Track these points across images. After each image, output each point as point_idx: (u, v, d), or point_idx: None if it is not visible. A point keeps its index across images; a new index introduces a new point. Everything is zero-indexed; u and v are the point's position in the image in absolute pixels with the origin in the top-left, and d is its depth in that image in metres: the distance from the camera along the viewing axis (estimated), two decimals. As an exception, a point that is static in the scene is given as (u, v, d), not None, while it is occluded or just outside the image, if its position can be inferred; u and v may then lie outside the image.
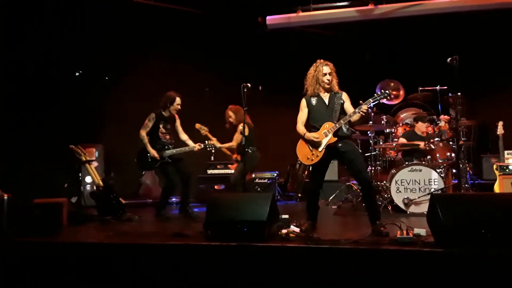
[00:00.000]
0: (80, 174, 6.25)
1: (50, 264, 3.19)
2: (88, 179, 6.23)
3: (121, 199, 4.96)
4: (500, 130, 5.62)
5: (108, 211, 4.77)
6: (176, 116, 5.24)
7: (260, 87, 6.30)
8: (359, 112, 3.58)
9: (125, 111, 7.21)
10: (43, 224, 3.60)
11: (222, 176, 6.87)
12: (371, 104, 3.83)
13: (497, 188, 5.44)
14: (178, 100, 5.14)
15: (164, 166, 5.03)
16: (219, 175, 6.91)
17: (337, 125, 3.65)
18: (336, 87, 3.82)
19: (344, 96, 3.81)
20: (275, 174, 6.90)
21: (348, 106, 3.77)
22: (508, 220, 2.75)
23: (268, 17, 6.95)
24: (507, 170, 5.44)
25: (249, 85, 4.40)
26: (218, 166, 6.90)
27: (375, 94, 3.72)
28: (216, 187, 6.67)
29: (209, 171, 6.98)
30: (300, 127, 3.84)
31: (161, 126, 5.11)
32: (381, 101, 6.06)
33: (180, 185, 5.11)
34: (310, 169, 4.15)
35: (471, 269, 2.62)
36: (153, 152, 4.99)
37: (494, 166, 5.61)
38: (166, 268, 3.04)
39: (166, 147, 5.07)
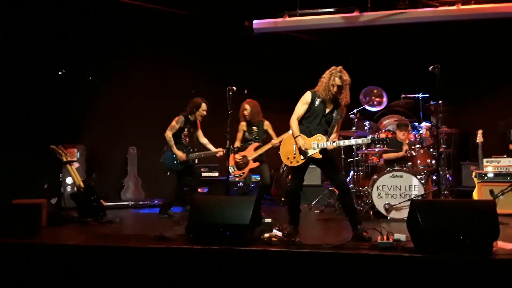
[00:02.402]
0: (60, 175, 6.14)
1: (28, 266, 3.12)
2: (68, 180, 6.12)
3: (102, 201, 4.90)
4: (479, 138, 5.76)
5: (89, 213, 4.70)
6: (198, 121, 5.34)
7: (245, 91, 6.30)
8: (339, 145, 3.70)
9: (108, 112, 7.13)
10: (22, 226, 3.51)
11: (205, 179, 6.84)
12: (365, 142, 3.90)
13: (475, 195, 5.57)
14: (204, 106, 5.23)
15: (188, 168, 5.19)
16: (202, 178, 6.88)
17: (326, 145, 3.62)
18: (343, 103, 3.67)
19: (344, 113, 3.78)
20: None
21: (338, 125, 3.77)
22: (485, 227, 2.81)
23: (254, 21, 6.98)
24: (485, 178, 5.58)
25: (234, 88, 4.42)
26: (201, 169, 6.87)
27: (370, 137, 3.88)
28: (199, 190, 6.63)
29: (193, 174, 6.93)
30: (295, 124, 3.73)
31: (185, 129, 5.22)
32: (365, 107, 6.24)
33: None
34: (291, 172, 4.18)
35: (449, 274, 2.67)
36: (180, 154, 5.05)
37: (473, 174, 5.75)
38: (147, 271, 3.01)
39: (190, 149, 5.19)
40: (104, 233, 3.77)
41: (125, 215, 5.38)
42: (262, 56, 7.55)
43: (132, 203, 6.57)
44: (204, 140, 5.37)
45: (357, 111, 5.94)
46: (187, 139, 5.28)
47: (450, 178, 6.07)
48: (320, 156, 3.65)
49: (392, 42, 7.15)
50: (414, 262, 2.73)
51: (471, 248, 2.73)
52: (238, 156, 5.15)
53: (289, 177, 6.71)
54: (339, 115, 3.71)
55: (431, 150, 5.40)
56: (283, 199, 6.77)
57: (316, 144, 3.66)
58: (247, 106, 5.26)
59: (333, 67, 3.71)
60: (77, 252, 3.18)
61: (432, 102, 5.73)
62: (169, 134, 5.13)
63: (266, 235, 3.39)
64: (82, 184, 4.91)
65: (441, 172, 4.88)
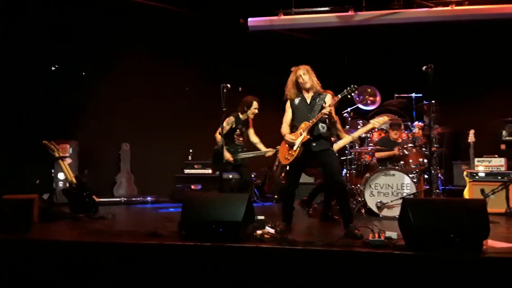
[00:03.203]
0: (52, 171, 6.10)
1: (20, 262, 3.11)
2: (60, 175, 6.10)
3: (94, 196, 4.88)
4: (471, 138, 5.82)
5: (81, 209, 4.68)
6: (250, 119, 5.26)
7: (240, 88, 6.31)
8: (328, 109, 3.63)
9: (102, 108, 7.10)
10: (13, 221, 3.49)
11: (199, 176, 6.84)
12: (339, 98, 3.80)
13: (466, 194, 5.63)
14: (255, 104, 5.15)
15: (237, 167, 5.16)
16: (196, 174, 6.88)
17: (310, 124, 3.68)
18: (318, 87, 3.85)
19: (328, 98, 3.81)
20: (252, 176, 6.91)
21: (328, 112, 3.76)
22: (476, 226, 2.84)
23: (250, 19, 6.98)
24: (476, 177, 5.64)
25: (228, 85, 4.41)
26: (195, 166, 6.87)
27: (344, 90, 3.70)
28: (192, 186, 6.63)
29: (186, 171, 6.94)
30: (284, 128, 3.90)
31: (238, 129, 5.16)
32: (358, 106, 6.26)
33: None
34: (287, 169, 4.19)
35: (439, 272, 2.69)
36: (227, 156, 4.97)
37: (465, 173, 5.81)
38: (140, 267, 3.01)
39: (240, 149, 5.14)
40: (96, 229, 3.76)
41: (118, 211, 5.36)
42: (257, 54, 7.56)
43: (125, 199, 6.56)
44: (255, 139, 5.27)
45: (350, 110, 5.96)
46: (240, 139, 5.21)
47: (442, 177, 6.12)
48: (308, 137, 3.68)
49: (386, 42, 7.19)
50: (405, 259, 2.76)
51: (461, 247, 2.75)
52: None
53: (283, 174, 6.75)
54: (322, 100, 3.77)
55: (424, 149, 5.44)
56: (276, 196, 6.79)
57: (302, 131, 3.73)
58: None
59: (292, 68, 3.92)
60: (69, 248, 3.18)
61: (425, 102, 5.76)
62: (218, 135, 5.00)
63: (259, 232, 3.40)
64: (74, 180, 4.89)
65: (433, 171, 4.92)
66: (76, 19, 6.58)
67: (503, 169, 5.65)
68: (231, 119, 5.09)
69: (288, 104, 3.93)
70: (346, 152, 5.87)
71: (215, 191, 5.97)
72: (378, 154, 5.57)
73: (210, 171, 6.89)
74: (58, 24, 6.44)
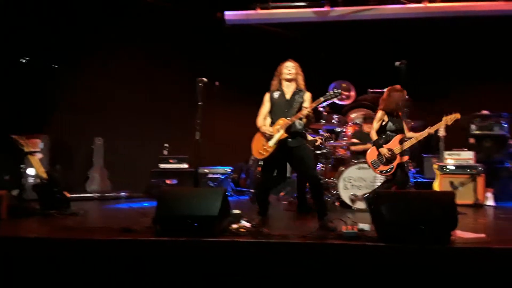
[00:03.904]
0: (22, 166, 5.92)
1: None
2: (31, 171, 5.92)
3: (66, 192, 4.77)
4: (441, 132, 5.97)
5: (52, 205, 4.56)
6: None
7: (216, 82, 6.28)
8: (309, 110, 3.65)
9: (74, 101, 6.93)
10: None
11: (174, 170, 6.78)
12: (323, 104, 3.89)
13: (436, 186, 5.80)
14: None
15: None
16: (171, 169, 6.81)
17: (289, 122, 3.69)
18: (301, 84, 3.84)
19: (307, 96, 3.82)
20: (229, 170, 6.91)
21: (305, 106, 3.78)
22: (444, 217, 2.94)
23: (226, 13, 6.93)
24: (446, 170, 5.82)
25: (205, 79, 4.37)
26: (170, 161, 6.80)
27: (326, 93, 3.79)
28: (168, 181, 6.57)
29: (161, 165, 6.86)
30: (260, 120, 3.87)
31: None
32: (334, 101, 6.33)
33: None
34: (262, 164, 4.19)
35: (410, 262, 2.77)
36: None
37: (435, 166, 5.98)
38: (113, 264, 2.96)
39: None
40: (68, 226, 3.68)
41: (90, 207, 5.26)
42: (234, 48, 7.52)
43: (98, 195, 6.43)
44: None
45: (326, 104, 6.02)
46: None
47: (413, 170, 6.28)
48: (286, 135, 3.68)
49: (361, 38, 7.27)
50: (377, 251, 2.82)
51: (430, 238, 2.83)
52: (384, 150, 4.57)
53: (259, 168, 6.78)
54: (301, 98, 3.79)
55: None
56: (252, 190, 6.81)
57: (279, 127, 3.72)
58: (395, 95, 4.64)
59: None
60: (38, 245, 3.09)
61: (398, 97, 5.87)
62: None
63: (234, 226, 3.41)
64: (45, 175, 4.76)
65: (404, 164, 5.02)
66: (48, 10, 6.38)
67: (471, 162, 5.85)
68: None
69: (267, 97, 3.90)
70: (321, 146, 5.95)
71: (192, 186, 5.94)
72: (353, 148, 5.66)
73: (186, 165, 6.84)
74: (28, 16, 6.23)
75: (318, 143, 4.86)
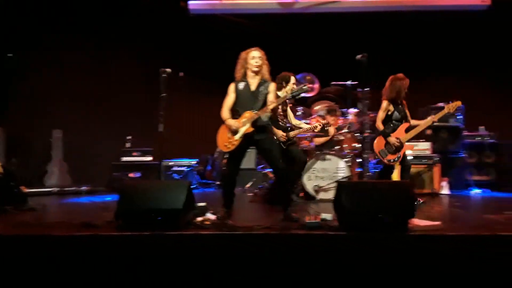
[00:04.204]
0: (-26, 160, 5.62)
1: None
2: (-17, 165, 5.62)
3: (23, 187, 4.58)
4: (401, 124, 6.19)
5: (8, 200, 4.36)
6: (287, 101, 4.93)
7: (181, 73, 6.19)
8: (275, 104, 3.65)
9: (32, 92, 6.63)
10: None
11: (138, 163, 6.65)
12: (290, 96, 3.88)
13: (395, 176, 6.01)
14: (292, 79, 4.87)
15: (291, 147, 4.79)
16: (134, 162, 6.68)
17: (255, 116, 3.65)
18: (266, 75, 3.79)
19: (271, 87, 3.79)
20: (194, 162, 6.86)
21: (271, 99, 3.76)
22: (402, 206, 3.06)
23: (190, 2, 6.83)
24: (404, 160, 6.03)
25: (168, 70, 4.30)
26: (133, 153, 6.66)
27: (296, 89, 3.79)
28: (131, 175, 6.44)
29: (124, 158, 6.71)
30: (225, 112, 3.79)
31: (279, 107, 4.82)
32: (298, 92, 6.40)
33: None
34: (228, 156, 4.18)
35: (370, 250, 2.86)
36: (280, 133, 4.66)
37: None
38: (74, 260, 2.88)
39: (289, 128, 4.85)
40: (24, 222, 3.53)
41: (49, 202, 5.07)
42: (199, 38, 7.42)
43: (57, 189, 6.21)
44: (295, 121, 5.06)
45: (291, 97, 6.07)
46: (285, 120, 4.92)
47: (374, 161, 6.47)
48: (252, 129, 3.66)
49: (325, 30, 7.36)
50: (339, 239, 2.89)
51: (389, 226, 2.94)
52: (392, 139, 4.64)
53: (224, 160, 6.77)
54: (266, 89, 3.76)
55: (357, 134, 5.71)
56: (218, 182, 6.81)
57: (245, 120, 3.67)
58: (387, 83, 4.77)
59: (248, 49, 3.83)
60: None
61: (359, 90, 6.02)
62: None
63: (199, 219, 3.40)
64: (0, 169, 4.54)
65: (365, 155, 5.18)
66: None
67: (428, 152, 6.10)
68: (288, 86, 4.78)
69: (232, 88, 3.82)
70: (326, 128, 6.00)
71: (156, 179, 5.86)
72: (317, 140, 5.76)
73: (150, 158, 6.73)
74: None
75: (317, 129, 4.83)
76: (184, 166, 6.77)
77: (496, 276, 2.75)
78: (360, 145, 5.60)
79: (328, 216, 3.33)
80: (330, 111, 5.90)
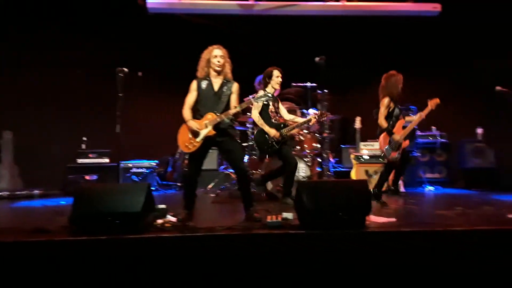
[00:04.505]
0: None
1: None
2: None
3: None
4: (357, 124, 6.39)
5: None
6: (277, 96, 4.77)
7: (139, 73, 6.05)
8: (239, 110, 3.63)
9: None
10: None
11: (94, 165, 6.43)
12: (254, 101, 3.85)
13: (353, 175, 6.19)
14: (275, 72, 4.76)
15: (284, 146, 4.69)
16: (91, 164, 6.45)
17: (218, 119, 3.63)
18: (229, 74, 3.77)
19: (235, 87, 3.77)
20: (154, 163, 6.73)
21: (234, 100, 3.75)
22: (360, 204, 3.15)
23: (148, 0, 6.68)
24: (361, 159, 6.23)
25: (125, 69, 4.19)
26: (90, 155, 6.43)
27: (257, 95, 3.79)
28: (87, 177, 6.20)
29: (79, 161, 6.46)
30: (186, 112, 3.73)
31: (270, 104, 4.69)
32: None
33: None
34: (188, 157, 4.12)
35: (329, 247, 2.93)
36: (273, 132, 4.51)
37: (352, 156, 6.37)
38: (25, 268, 2.74)
39: (282, 125, 4.72)
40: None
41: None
42: (158, 37, 7.29)
43: (7, 193, 5.89)
44: (289, 116, 4.94)
45: (251, 97, 6.09)
46: (277, 116, 4.81)
47: (333, 160, 6.63)
48: (214, 132, 3.64)
49: (285, 32, 7.44)
50: (299, 238, 2.94)
51: (348, 223, 3.03)
52: (397, 136, 4.66)
53: (185, 161, 6.68)
54: (229, 90, 3.74)
55: (317, 135, 5.82)
56: (179, 184, 6.71)
57: (207, 123, 3.64)
58: (382, 80, 4.84)
59: (210, 46, 3.79)
60: None
61: (318, 91, 6.14)
62: (255, 114, 4.56)
63: (160, 221, 3.34)
64: None
65: (324, 155, 5.30)
66: None
67: (384, 152, 6.32)
68: (261, 92, 4.66)
69: (194, 86, 3.76)
70: (250, 138, 6.03)
71: (113, 182, 5.69)
72: None
73: (107, 160, 6.52)
74: None
75: (312, 122, 4.77)
76: (143, 167, 6.62)
77: (448, 269, 2.89)
78: (319, 145, 5.72)
79: (289, 215, 3.37)
80: (290, 112, 5.97)
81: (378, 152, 6.28)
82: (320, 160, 5.60)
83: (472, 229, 3.05)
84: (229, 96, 3.74)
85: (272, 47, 7.46)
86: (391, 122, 4.71)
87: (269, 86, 4.83)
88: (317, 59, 4.37)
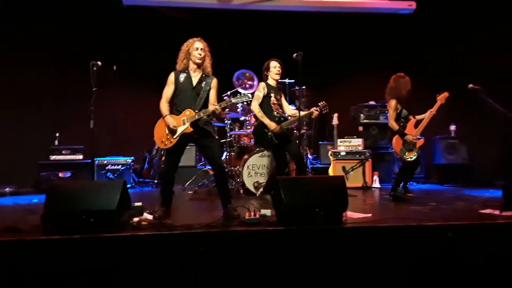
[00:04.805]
0: None
1: None
2: None
3: None
4: (335, 121, 6.46)
5: None
6: (278, 87, 4.60)
7: (115, 67, 5.91)
8: (217, 109, 3.57)
9: None
10: None
11: (68, 162, 6.27)
12: (234, 102, 3.80)
13: (331, 172, 6.26)
14: (273, 63, 4.63)
15: (284, 142, 4.53)
16: (64, 161, 6.29)
17: (196, 116, 3.58)
18: (208, 68, 3.71)
19: (214, 82, 3.71)
20: (130, 160, 6.61)
21: (213, 95, 3.70)
22: (337, 200, 3.18)
23: (123, -8, 6.56)
24: (339, 156, 6.30)
25: (99, 63, 4.09)
26: (63, 152, 6.27)
27: (237, 95, 3.74)
28: (60, 174, 6.05)
29: (52, 157, 6.29)
30: (164, 105, 3.65)
31: (272, 96, 4.57)
32: (238, 90, 6.41)
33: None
34: (165, 153, 4.06)
35: (307, 243, 2.95)
36: (273, 126, 4.36)
37: (329, 152, 6.43)
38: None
39: (282, 119, 4.56)
40: None
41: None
42: (133, 30, 7.15)
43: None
44: (290, 111, 4.81)
45: (230, 93, 6.07)
46: (280, 110, 4.64)
47: (311, 157, 6.68)
48: (191, 130, 3.59)
49: (264, 28, 7.43)
50: (277, 234, 2.94)
51: (325, 219, 3.05)
52: (410, 137, 4.67)
53: (162, 158, 6.60)
54: (208, 85, 3.69)
55: (295, 131, 5.83)
56: (156, 181, 6.63)
57: (185, 119, 3.59)
58: (391, 81, 4.83)
59: (190, 39, 3.73)
60: None
61: (296, 88, 6.16)
62: (255, 105, 4.40)
63: (136, 219, 3.29)
64: None
65: (303, 151, 5.32)
66: None
67: (360, 148, 6.42)
68: (262, 84, 4.59)
69: (172, 78, 3.68)
70: (228, 134, 6.00)
71: (88, 179, 5.57)
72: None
73: (81, 156, 6.36)
74: None
75: (314, 115, 4.61)
76: (119, 164, 6.50)
77: (422, 263, 2.95)
78: (297, 141, 5.73)
79: (267, 212, 3.37)
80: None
81: (354, 149, 6.37)
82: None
83: (445, 224, 3.12)
84: (208, 91, 3.69)
85: (250, 43, 7.44)
86: (401, 123, 4.75)
87: (269, 78, 4.70)
88: (294, 55, 4.35)
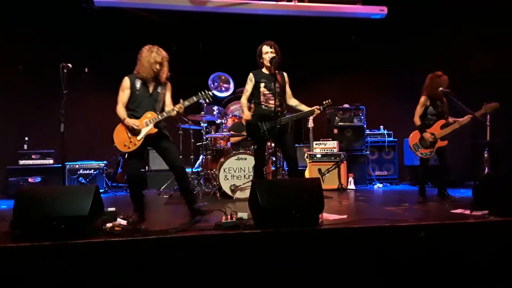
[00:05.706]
0: None
1: None
2: None
3: None
4: (310, 124, 6.52)
5: None
6: (279, 77, 4.18)
7: (86, 69, 5.77)
8: (177, 110, 3.64)
9: None
10: None
11: (38, 167, 6.08)
12: (195, 100, 3.78)
13: (307, 174, 6.31)
14: (264, 48, 4.22)
15: (279, 140, 4.19)
16: (34, 166, 6.09)
17: (159, 117, 3.65)
18: (163, 78, 3.74)
19: (168, 86, 3.81)
20: (103, 164, 6.47)
21: (168, 98, 3.79)
22: (313, 202, 3.20)
23: (95, -6, 6.42)
24: (315, 158, 6.36)
25: (69, 65, 4.00)
26: (33, 156, 6.07)
27: (199, 93, 3.76)
28: (30, 180, 5.85)
29: (22, 162, 6.09)
30: (121, 110, 3.68)
31: (262, 85, 4.19)
32: (213, 92, 6.37)
33: None
34: (127, 156, 4.01)
35: (283, 245, 2.95)
36: (245, 115, 4.16)
37: (305, 155, 6.48)
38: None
39: (279, 113, 4.08)
40: None
41: None
42: (105, 32, 7.01)
43: None
44: (293, 101, 4.37)
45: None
46: (271, 102, 4.14)
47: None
48: (156, 130, 3.64)
49: (238, 31, 7.43)
50: (254, 237, 2.93)
51: (301, 221, 3.06)
52: (427, 134, 4.76)
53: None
54: (164, 89, 3.77)
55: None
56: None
57: (148, 121, 3.64)
58: (426, 80, 4.86)
59: (148, 45, 3.71)
60: None
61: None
62: (243, 99, 4.24)
63: (109, 225, 3.21)
64: None
65: (279, 154, 5.33)
66: None
67: (335, 150, 6.50)
68: (250, 74, 4.30)
69: (127, 83, 3.69)
70: (205, 137, 5.96)
71: (59, 184, 5.42)
72: (233, 139, 5.80)
73: (51, 161, 6.18)
74: None
75: (315, 114, 4.30)
76: (91, 168, 6.34)
77: (395, 263, 3.00)
78: (274, 144, 5.75)
79: (244, 215, 3.36)
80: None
81: (330, 151, 6.44)
82: (274, 159, 5.64)
83: (418, 224, 3.19)
84: (164, 95, 3.77)
85: (224, 46, 7.42)
86: (426, 121, 4.83)
87: (262, 64, 4.33)
88: (268, 58, 4.36)
